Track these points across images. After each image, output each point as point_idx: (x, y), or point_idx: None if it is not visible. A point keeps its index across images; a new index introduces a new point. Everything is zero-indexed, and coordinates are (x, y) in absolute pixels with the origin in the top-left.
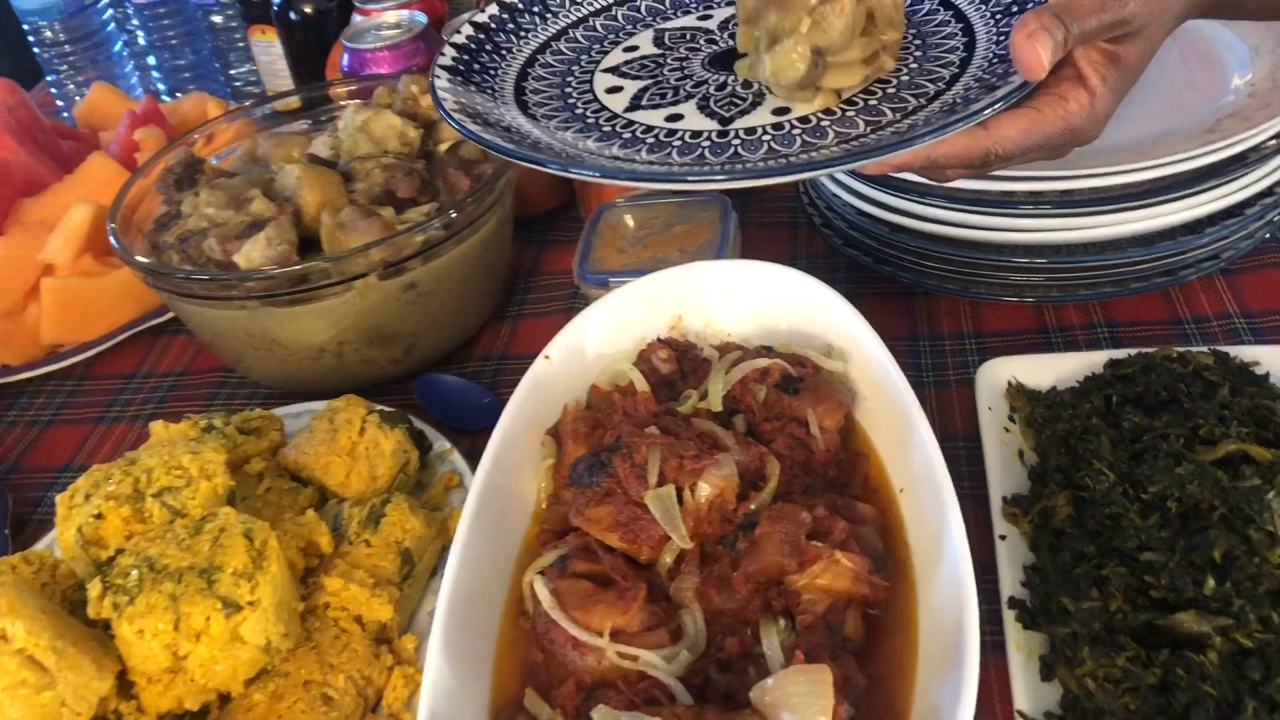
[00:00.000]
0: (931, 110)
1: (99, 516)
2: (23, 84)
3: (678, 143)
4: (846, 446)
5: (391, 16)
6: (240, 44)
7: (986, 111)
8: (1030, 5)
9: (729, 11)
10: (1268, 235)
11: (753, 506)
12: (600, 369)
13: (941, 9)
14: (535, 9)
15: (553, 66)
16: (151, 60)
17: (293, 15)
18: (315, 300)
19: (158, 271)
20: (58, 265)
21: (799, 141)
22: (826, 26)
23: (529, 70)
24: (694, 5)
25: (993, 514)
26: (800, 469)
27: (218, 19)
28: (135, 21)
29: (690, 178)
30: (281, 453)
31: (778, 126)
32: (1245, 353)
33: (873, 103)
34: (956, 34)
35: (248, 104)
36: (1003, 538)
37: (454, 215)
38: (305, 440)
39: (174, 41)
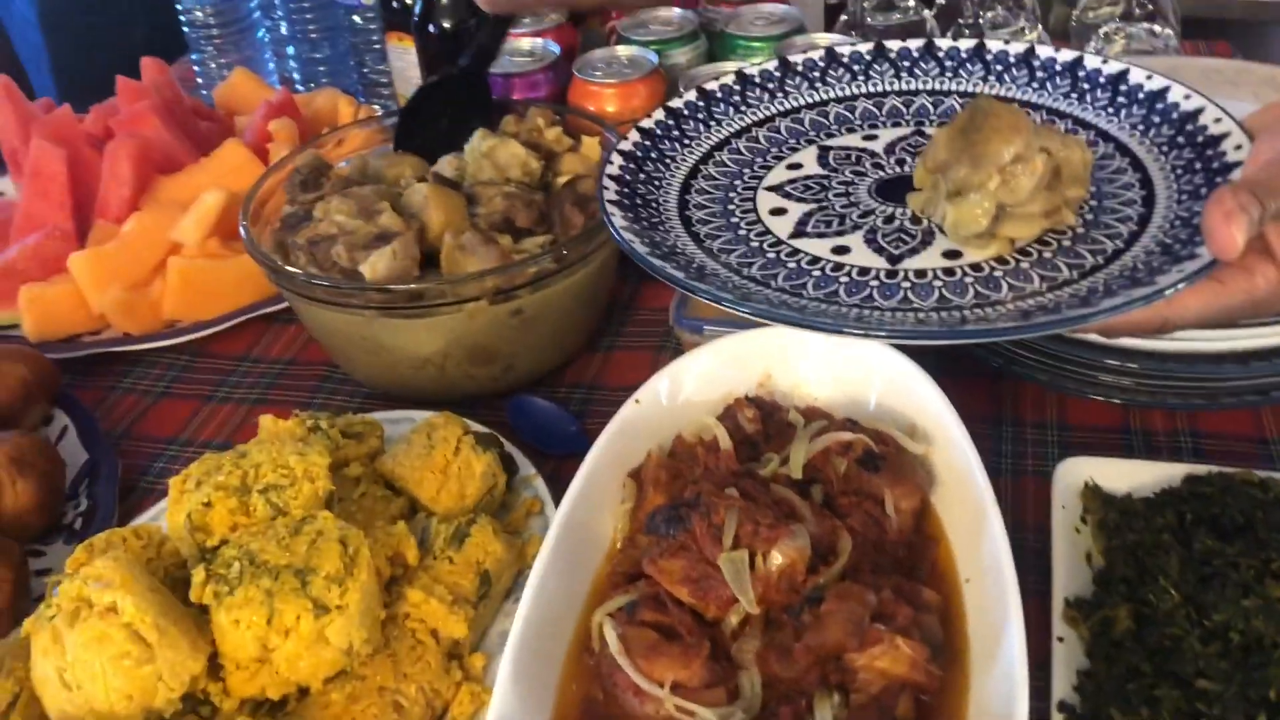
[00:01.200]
0: (1110, 273)
1: (208, 505)
2: (168, 56)
3: (845, 279)
4: (919, 529)
5: (525, 43)
6: (377, 46)
7: (1172, 289)
8: (1214, 165)
9: (895, 134)
10: None
11: (821, 581)
12: (687, 419)
13: (1118, 155)
14: (699, 115)
15: (716, 180)
16: (290, 50)
17: (431, 28)
18: (428, 316)
19: (283, 271)
20: (186, 245)
21: (972, 292)
22: (1015, 186)
23: (692, 182)
24: (859, 124)
25: (1053, 614)
26: (872, 546)
27: (359, 19)
28: (280, 12)
29: (855, 330)
30: (379, 460)
31: (949, 272)
32: None
33: (1048, 255)
34: (1134, 184)
35: (380, 113)
36: (1060, 639)
37: (565, 251)
38: (403, 452)
39: (314, 35)
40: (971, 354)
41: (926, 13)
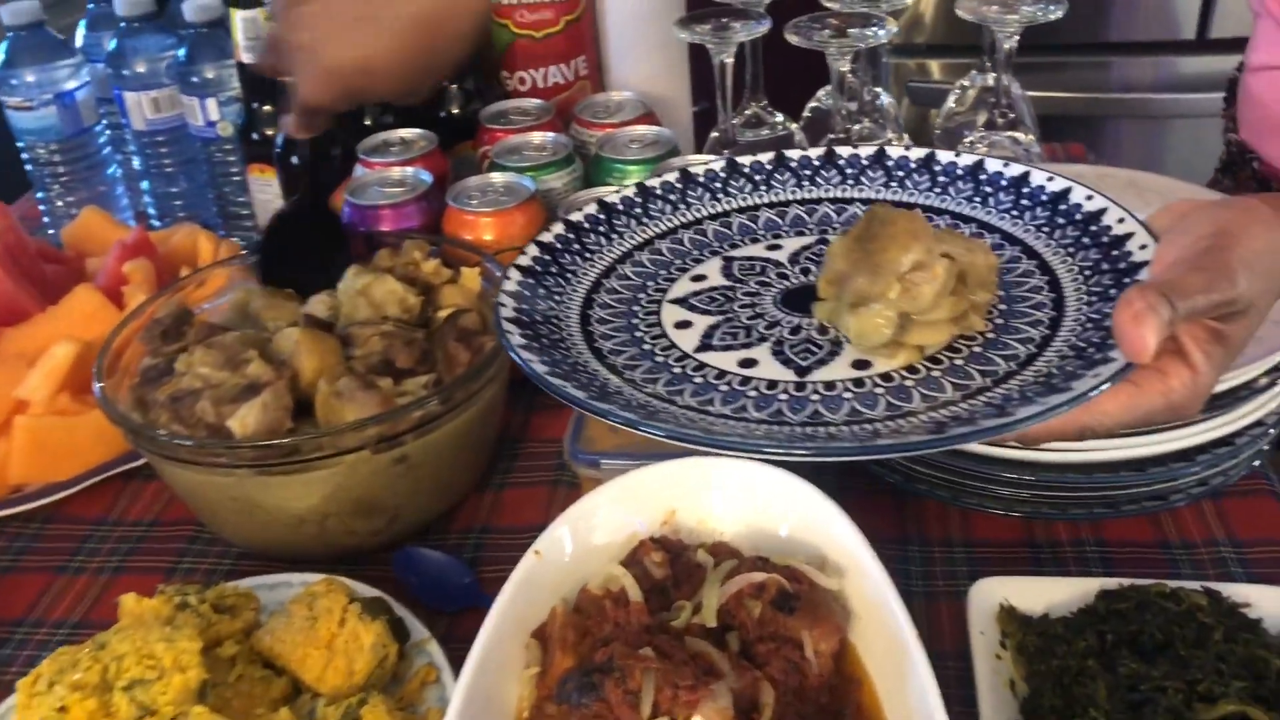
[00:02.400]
0: (1025, 379)
1: (63, 710)
2: (9, 195)
3: (753, 393)
4: (840, 670)
5: (395, 173)
6: (237, 178)
7: (1091, 394)
8: (1121, 266)
9: (799, 243)
10: (1257, 463)
11: None
12: (590, 566)
13: (1025, 257)
14: (600, 229)
15: (619, 293)
16: (145, 185)
17: (294, 160)
18: (305, 471)
19: (143, 431)
20: (33, 402)
21: (883, 403)
22: (917, 294)
23: (594, 297)
24: (763, 234)
25: None
26: (794, 695)
27: (216, 153)
28: (132, 146)
29: (769, 449)
30: (256, 636)
31: (858, 383)
32: (1237, 592)
33: (959, 362)
34: (1043, 287)
35: (244, 249)
36: None
37: (452, 392)
38: (282, 626)
39: (170, 169)
40: (867, 470)
41: (794, 126)
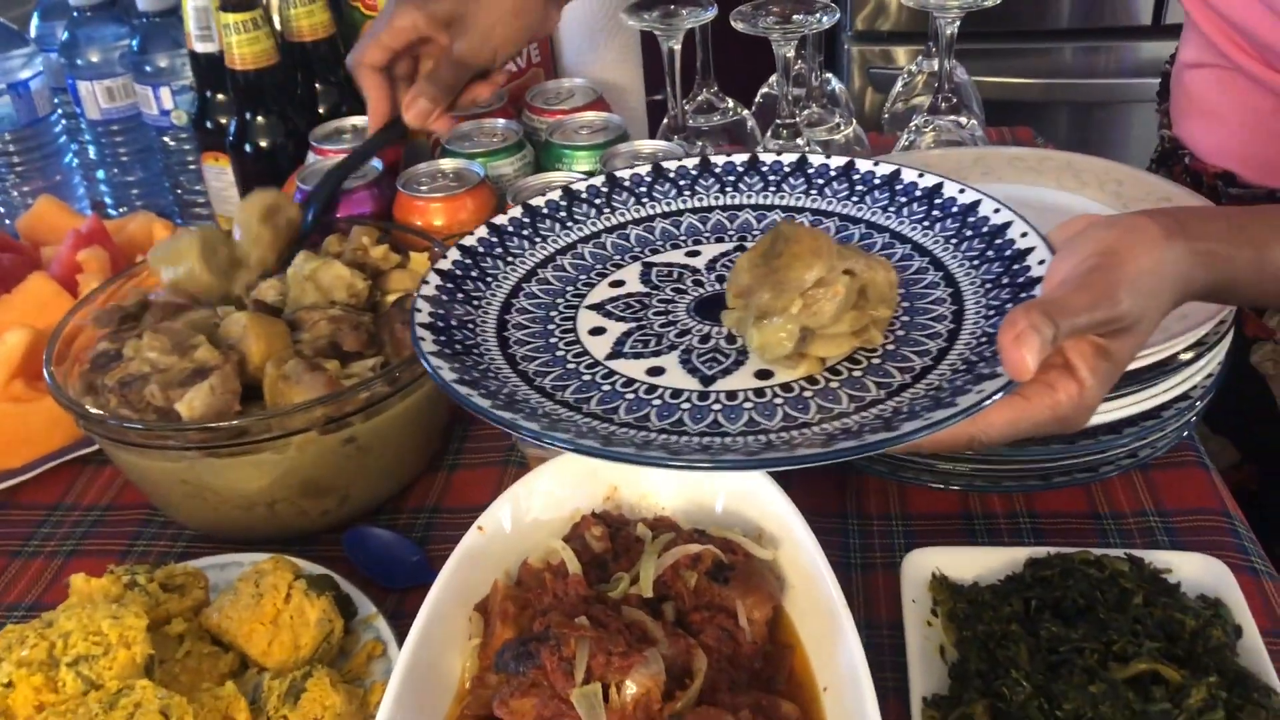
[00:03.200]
0: (916, 392)
1: (9, 685)
2: None
3: (657, 402)
4: (774, 638)
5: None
6: (192, 166)
7: (972, 410)
8: (1020, 280)
9: (718, 249)
10: (1186, 434)
11: (678, 706)
12: (532, 541)
13: (932, 269)
14: (524, 232)
15: (538, 299)
16: (100, 174)
17: (247, 147)
18: (254, 453)
19: (91, 415)
20: None
21: (780, 414)
22: (818, 310)
23: (513, 302)
24: (684, 240)
25: (913, 714)
26: (727, 661)
27: (170, 140)
28: (88, 135)
29: (664, 461)
30: (204, 613)
31: (759, 393)
32: (1159, 558)
33: (857, 374)
34: (946, 299)
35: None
36: None
37: (398, 373)
38: (229, 603)
39: (125, 158)
40: None
41: (746, 112)
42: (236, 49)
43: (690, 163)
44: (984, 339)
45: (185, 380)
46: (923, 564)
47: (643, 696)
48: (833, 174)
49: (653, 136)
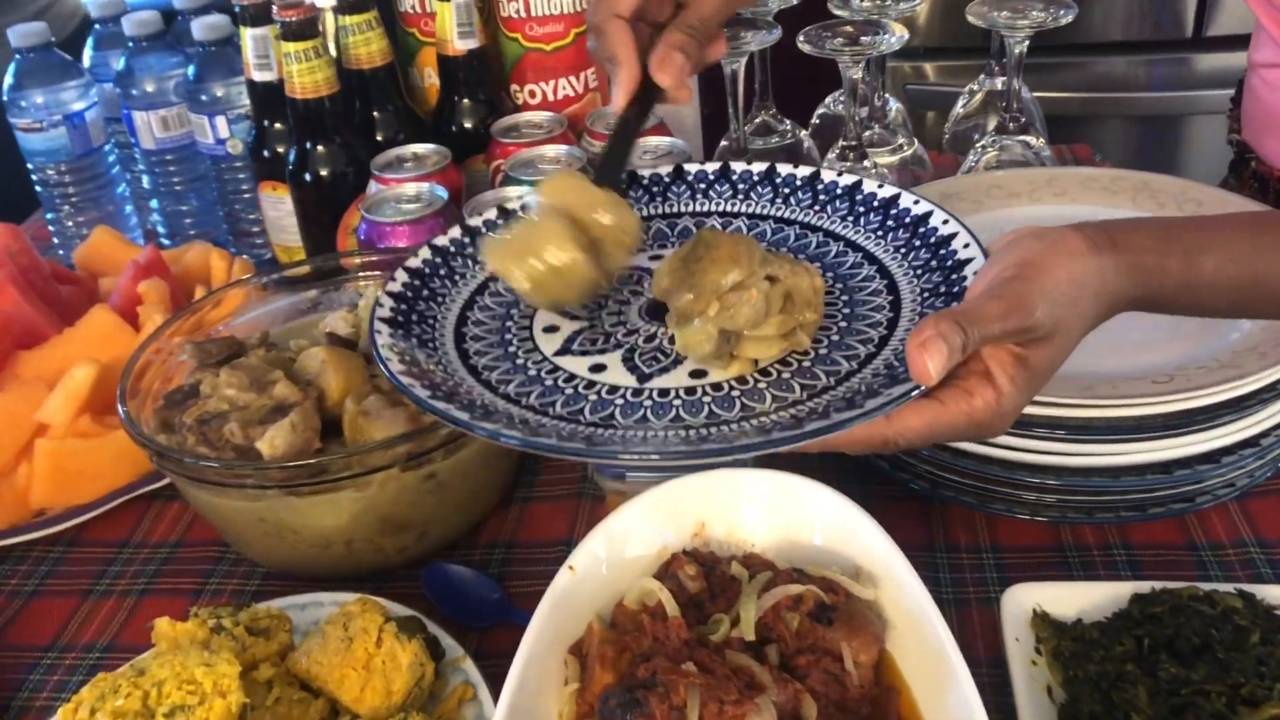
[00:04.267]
0: (836, 395)
1: None
2: (18, 215)
3: (593, 397)
4: (879, 680)
5: (411, 189)
6: (248, 195)
7: (876, 412)
8: (955, 290)
9: (662, 254)
10: None
11: None
12: (624, 580)
13: (879, 277)
14: (468, 252)
15: (492, 310)
16: (154, 204)
17: (307, 176)
18: (334, 491)
19: (169, 454)
20: (53, 425)
21: (705, 410)
22: (734, 313)
23: (468, 314)
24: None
25: None
26: (835, 707)
27: (226, 170)
28: (141, 165)
29: (590, 453)
30: (292, 658)
31: (690, 391)
32: (1270, 593)
33: (785, 376)
34: (885, 307)
35: (258, 271)
36: None
37: None
38: (318, 647)
39: (179, 187)
40: (893, 477)
41: (803, 133)
42: (297, 78)
43: (664, 170)
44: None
45: (265, 418)
46: (1023, 600)
47: None
48: (799, 184)
49: (708, 158)
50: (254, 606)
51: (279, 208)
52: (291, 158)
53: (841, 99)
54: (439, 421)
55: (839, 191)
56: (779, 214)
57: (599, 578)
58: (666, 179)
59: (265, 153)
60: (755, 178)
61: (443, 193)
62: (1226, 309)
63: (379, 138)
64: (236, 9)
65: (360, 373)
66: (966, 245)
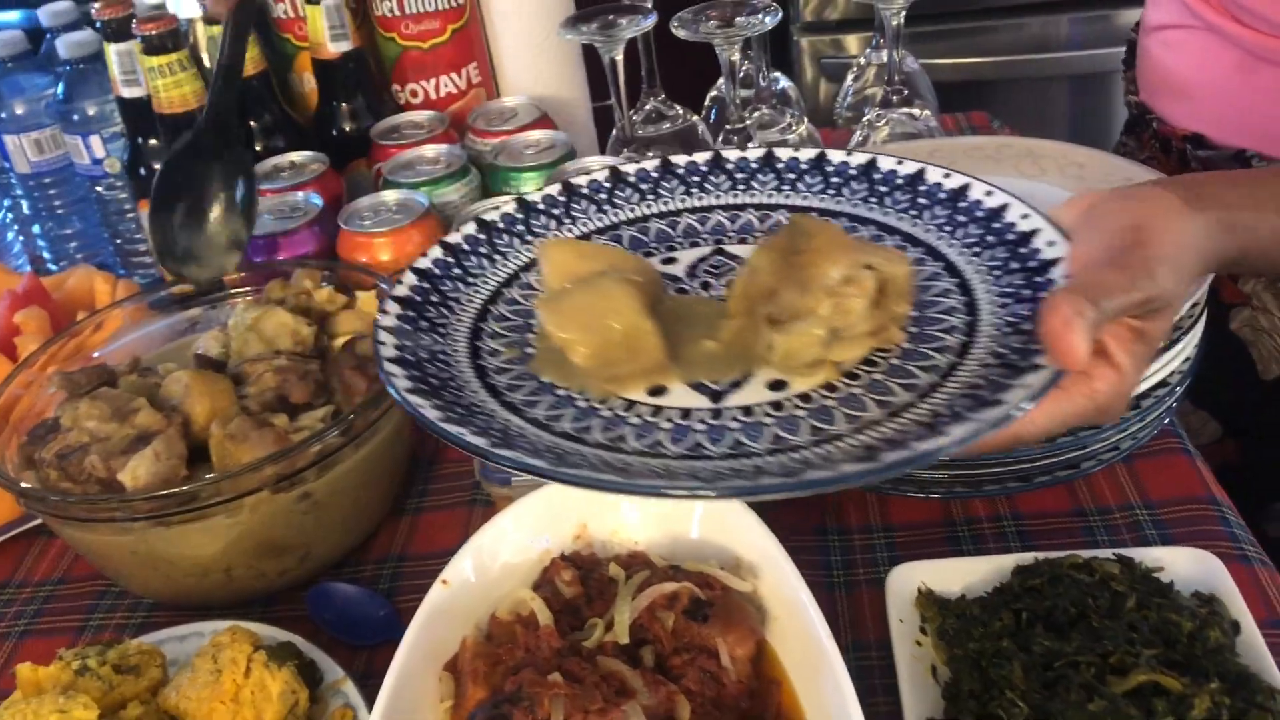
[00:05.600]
0: (952, 392)
1: None
2: None
3: (667, 424)
4: (759, 674)
5: (287, 199)
6: (130, 215)
7: (1025, 406)
8: (1031, 264)
9: (694, 254)
10: (1167, 420)
11: None
12: (502, 590)
13: (929, 258)
14: (481, 250)
15: (509, 320)
16: (36, 229)
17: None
18: (205, 518)
19: (30, 493)
20: None
21: (806, 428)
22: (847, 309)
23: (481, 326)
24: (655, 247)
25: None
26: (712, 705)
27: (106, 191)
28: (19, 190)
29: (703, 490)
30: (162, 694)
31: (777, 406)
32: (1149, 556)
33: (877, 377)
34: (953, 290)
35: (141, 290)
36: None
37: (352, 420)
38: (187, 682)
39: (60, 211)
40: None
41: (695, 118)
42: (163, 92)
43: (650, 165)
44: (1008, 329)
45: (127, 448)
46: (908, 579)
47: None
48: (804, 167)
49: (603, 151)
50: (125, 643)
51: None
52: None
53: None
54: (308, 439)
55: (852, 172)
56: (789, 201)
57: (473, 590)
58: (655, 174)
59: (142, 170)
60: (754, 164)
61: (318, 200)
62: None
63: (258, 147)
64: (98, 25)
65: (227, 395)
66: (1025, 216)
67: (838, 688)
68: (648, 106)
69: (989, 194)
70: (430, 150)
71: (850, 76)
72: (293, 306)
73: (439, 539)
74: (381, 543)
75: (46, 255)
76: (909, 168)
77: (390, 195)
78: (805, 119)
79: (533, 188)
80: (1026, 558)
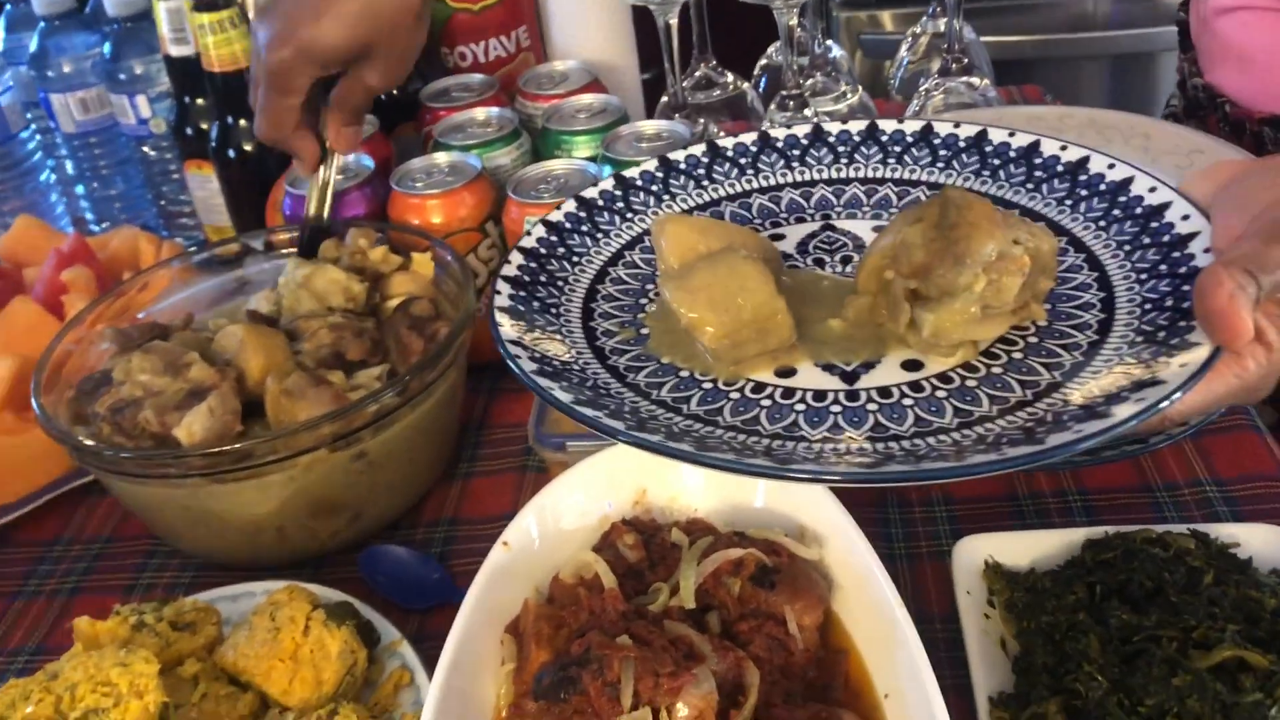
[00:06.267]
0: (1096, 371)
1: None
2: None
3: (801, 407)
4: (826, 643)
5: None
6: (175, 176)
7: (1191, 384)
8: (1165, 239)
9: (803, 230)
10: None
11: None
12: (563, 554)
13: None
14: (584, 228)
15: (619, 300)
16: (80, 189)
17: (231, 153)
18: (259, 476)
19: (85, 447)
20: None
21: (950, 409)
22: (1001, 286)
23: (592, 306)
24: (759, 223)
25: (978, 716)
26: (780, 672)
27: (150, 150)
28: (64, 150)
29: (869, 476)
30: (219, 652)
31: (916, 387)
32: (1224, 532)
33: (1016, 356)
34: (1082, 266)
35: (186, 249)
36: None
37: (408, 381)
38: (245, 640)
39: (104, 171)
40: None
41: (745, 85)
42: (214, 50)
43: (748, 139)
44: (1149, 306)
45: (181, 403)
46: (974, 551)
47: (696, 718)
48: (910, 140)
49: (650, 116)
50: (180, 600)
51: (206, 187)
52: (214, 135)
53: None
54: (365, 399)
55: (961, 144)
56: (895, 175)
57: (535, 552)
58: (754, 149)
59: (189, 131)
60: (856, 138)
61: (369, 162)
62: None
63: None
64: None
65: (282, 350)
66: (1153, 189)
67: (910, 657)
68: (699, 73)
69: (1111, 167)
70: (481, 113)
71: (904, 47)
72: (347, 266)
73: (491, 503)
74: (433, 506)
75: (89, 216)
76: (1022, 139)
77: (442, 157)
78: (860, 87)
79: (585, 152)
80: (1097, 531)
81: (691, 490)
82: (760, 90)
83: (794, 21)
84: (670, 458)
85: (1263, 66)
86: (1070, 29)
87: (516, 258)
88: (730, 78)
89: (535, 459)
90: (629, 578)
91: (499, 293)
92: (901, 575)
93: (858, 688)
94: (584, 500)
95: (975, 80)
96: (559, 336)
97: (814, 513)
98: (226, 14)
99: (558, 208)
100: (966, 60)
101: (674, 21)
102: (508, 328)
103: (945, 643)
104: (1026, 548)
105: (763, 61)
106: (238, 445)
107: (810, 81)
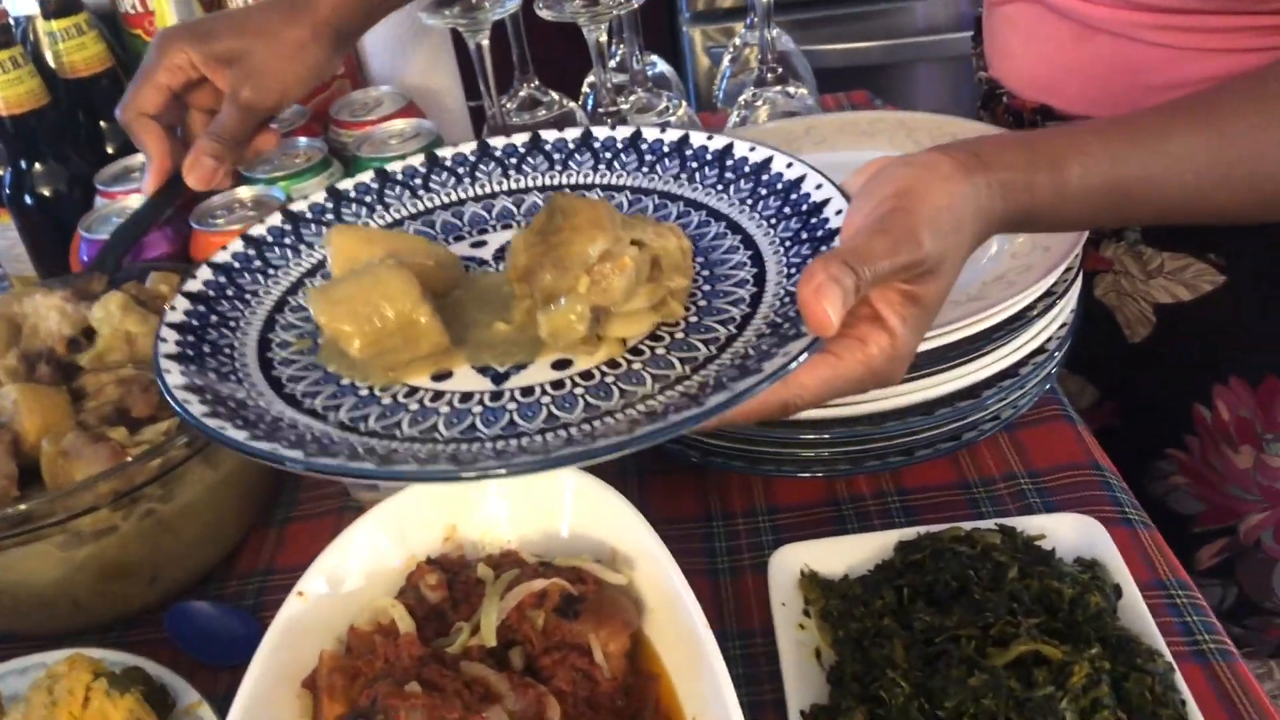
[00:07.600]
0: (723, 363)
1: None
2: None
3: (445, 409)
4: (636, 669)
5: (135, 200)
6: None
7: (779, 374)
8: (819, 234)
9: (504, 237)
10: (1048, 386)
11: None
12: (364, 600)
13: (730, 234)
14: (287, 241)
15: (304, 311)
16: None
17: (27, 199)
18: (40, 539)
19: None
20: None
21: (581, 404)
22: (607, 286)
23: (277, 317)
24: (467, 230)
25: None
26: (585, 704)
27: None
28: None
29: (462, 474)
30: None
31: (557, 385)
32: (1031, 524)
33: (660, 351)
34: (746, 263)
35: None
36: None
37: (196, 434)
38: (21, 718)
39: None
40: (667, 451)
41: (572, 105)
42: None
43: (468, 148)
44: (786, 299)
45: None
46: (790, 561)
47: None
48: (620, 146)
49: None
50: None
51: (6, 235)
52: (8, 180)
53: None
54: (146, 454)
55: (665, 150)
56: (604, 181)
57: (333, 600)
58: (473, 158)
59: None
60: (571, 145)
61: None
62: (1095, 218)
63: (110, 149)
64: None
65: (60, 409)
66: (819, 186)
67: (714, 679)
68: (522, 93)
69: (789, 166)
70: (287, 143)
71: (727, 58)
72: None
73: (311, 550)
74: (248, 557)
75: None
76: (718, 142)
77: (245, 192)
78: (684, 102)
79: None
80: (909, 533)
81: (501, 522)
82: (589, 109)
83: (603, 38)
84: (354, 478)
85: (1024, 56)
86: (911, 35)
87: (182, 303)
88: (555, 96)
89: (354, 501)
90: (431, 619)
91: (164, 339)
92: (724, 590)
93: (668, 713)
94: (386, 542)
95: (792, 90)
96: (233, 378)
97: (623, 535)
98: (8, 54)
99: (222, 247)
100: (781, 70)
101: (485, 42)
102: (176, 375)
103: (765, 657)
104: (842, 553)
105: (590, 79)
106: (10, 510)
107: (633, 98)
